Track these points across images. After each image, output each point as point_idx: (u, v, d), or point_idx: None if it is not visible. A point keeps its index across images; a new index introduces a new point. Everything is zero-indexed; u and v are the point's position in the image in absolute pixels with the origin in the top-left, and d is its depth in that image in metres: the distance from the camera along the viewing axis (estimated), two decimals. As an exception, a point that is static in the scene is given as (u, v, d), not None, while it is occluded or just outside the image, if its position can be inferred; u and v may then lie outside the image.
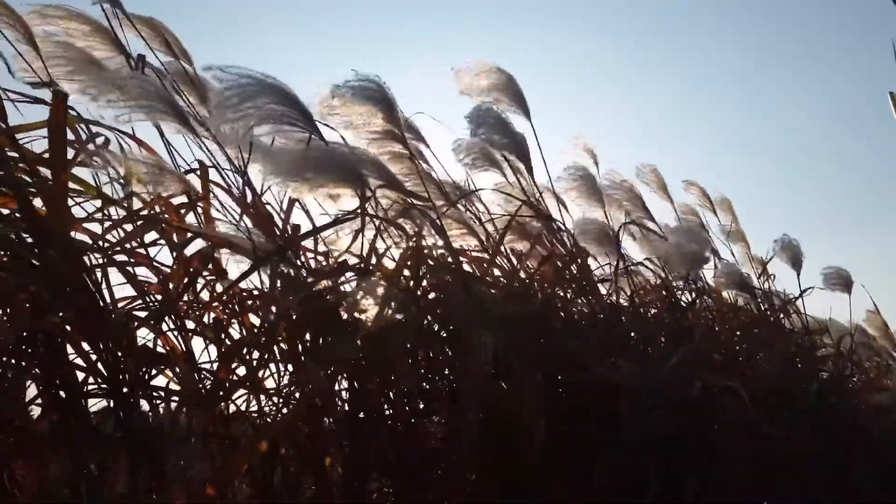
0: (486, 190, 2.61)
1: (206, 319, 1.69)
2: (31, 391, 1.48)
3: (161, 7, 2.26)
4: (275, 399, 1.85)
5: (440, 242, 2.14)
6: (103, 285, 1.51)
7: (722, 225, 3.90)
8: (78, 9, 2.00)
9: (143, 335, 1.58)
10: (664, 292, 3.02)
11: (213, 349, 1.71)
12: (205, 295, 1.71)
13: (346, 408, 1.94)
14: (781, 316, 3.64)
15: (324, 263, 1.95)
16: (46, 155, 1.46)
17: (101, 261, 1.52)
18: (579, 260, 2.62)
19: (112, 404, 1.52)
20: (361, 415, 1.98)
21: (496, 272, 2.38)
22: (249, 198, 1.86)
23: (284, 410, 1.85)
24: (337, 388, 1.90)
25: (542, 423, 1.95)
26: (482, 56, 2.69)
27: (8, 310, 1.40)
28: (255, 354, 1.75)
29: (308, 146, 1.79)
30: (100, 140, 1.67)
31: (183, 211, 1.73)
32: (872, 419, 3.52)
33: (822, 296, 3.96)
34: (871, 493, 3.11)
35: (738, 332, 3.33)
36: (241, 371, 1.74)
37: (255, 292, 1.78)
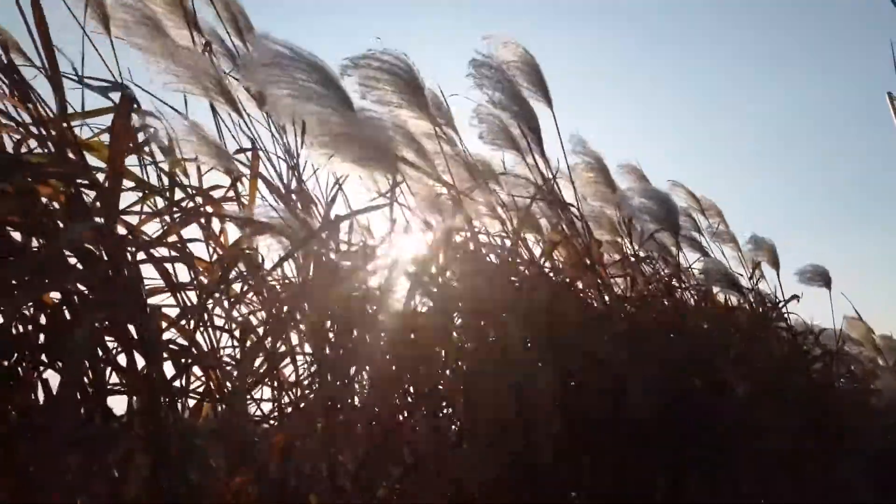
0: (506, 174, 2.52)
1: (235, 313, 1.59)
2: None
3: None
4: (292, 393, 1.77)
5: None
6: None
7: (710, 225, 3.92)
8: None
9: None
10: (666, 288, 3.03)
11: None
12: (237, 288, 1.60)
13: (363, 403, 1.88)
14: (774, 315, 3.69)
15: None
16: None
17: (140, 256, 1.40)
18: (592, 249, 2.56)
19: (136, 402, 1.44)
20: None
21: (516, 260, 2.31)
22: (294, 183, 1.76)
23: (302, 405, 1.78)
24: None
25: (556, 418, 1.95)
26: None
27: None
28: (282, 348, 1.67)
29: (348, 121, 1.70)
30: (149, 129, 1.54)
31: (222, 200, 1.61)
32: (863, 420, 3.62)
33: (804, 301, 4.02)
34: (860, 492, 3.20)
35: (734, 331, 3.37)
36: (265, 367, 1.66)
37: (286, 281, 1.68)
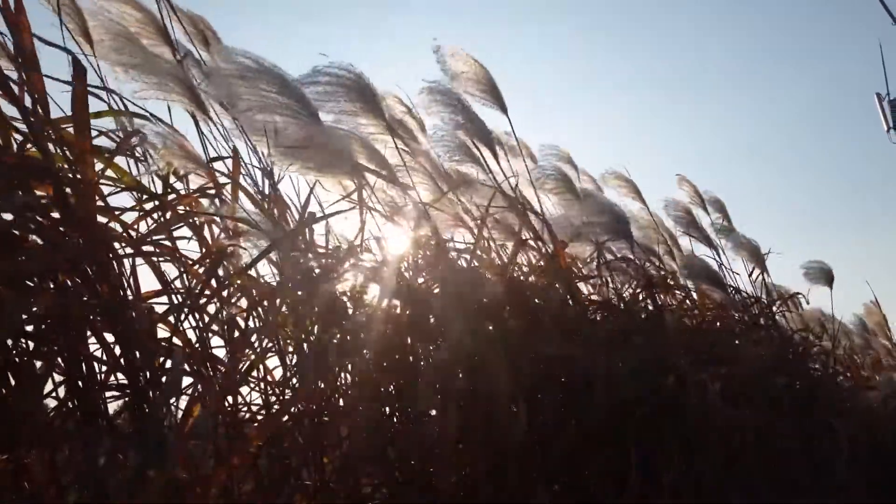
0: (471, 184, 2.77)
1: (219, 313, 1.84)
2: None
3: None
4: (278, 391, 1.99)
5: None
6: (131, 277, 1.67)
7: (713, 222, 4.18)
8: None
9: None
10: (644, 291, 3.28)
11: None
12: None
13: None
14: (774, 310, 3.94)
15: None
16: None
17: (128, 251, 1.67)
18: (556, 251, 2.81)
19: (128, 398, 1.64)
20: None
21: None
22: (268, 188, 2.04)
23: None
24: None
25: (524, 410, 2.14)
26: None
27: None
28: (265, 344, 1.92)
29: (310, 131, 1.97)
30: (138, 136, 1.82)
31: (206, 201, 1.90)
32: (859, 416, 3.82)
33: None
34: (853, 491, 3.39)
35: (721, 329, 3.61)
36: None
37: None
